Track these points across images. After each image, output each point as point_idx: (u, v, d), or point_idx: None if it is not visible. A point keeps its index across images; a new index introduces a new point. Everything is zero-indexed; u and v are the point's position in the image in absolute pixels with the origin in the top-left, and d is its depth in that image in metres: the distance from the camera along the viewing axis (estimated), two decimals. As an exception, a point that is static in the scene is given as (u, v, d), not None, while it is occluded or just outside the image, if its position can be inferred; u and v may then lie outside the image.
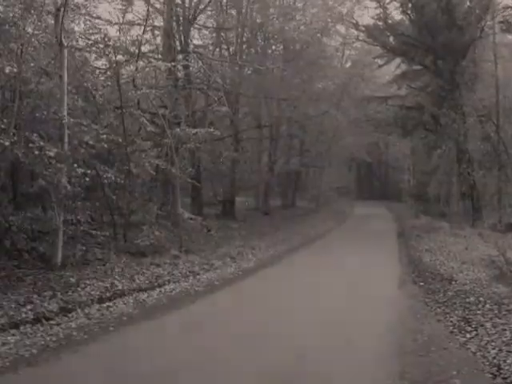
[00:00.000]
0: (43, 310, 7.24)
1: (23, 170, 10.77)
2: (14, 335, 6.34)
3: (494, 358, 5.57)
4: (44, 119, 10.51)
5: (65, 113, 10.17)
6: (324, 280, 10.70)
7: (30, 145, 9.13)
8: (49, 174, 9.38)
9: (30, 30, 10.49)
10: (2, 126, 8.86)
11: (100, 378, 5.21)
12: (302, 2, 25.83)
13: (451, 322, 7.23)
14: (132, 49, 14.66)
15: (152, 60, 16.42)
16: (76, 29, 13.37)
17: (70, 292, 8.21)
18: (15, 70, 9.67)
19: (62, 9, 10.30)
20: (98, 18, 15.58)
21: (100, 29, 13.66)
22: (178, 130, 13.80)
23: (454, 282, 9.56)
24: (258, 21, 22.75)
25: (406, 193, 39.49)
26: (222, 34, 23.91)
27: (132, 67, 14.22)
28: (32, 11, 10.30)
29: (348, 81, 31.07)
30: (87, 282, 8.89)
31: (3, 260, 9.44)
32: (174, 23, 18.25)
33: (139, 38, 14.76)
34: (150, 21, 17.97)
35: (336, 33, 29.47)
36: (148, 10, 15.37)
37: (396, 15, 25.07)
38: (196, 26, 21.84)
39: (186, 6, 19.61)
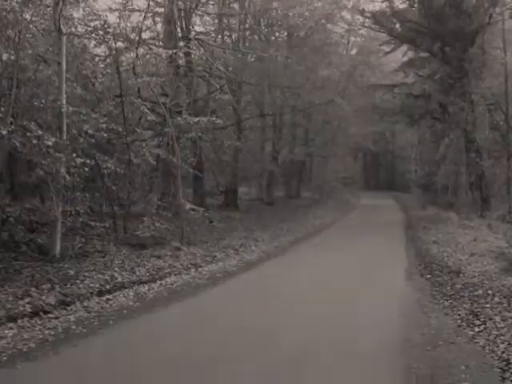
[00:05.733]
0: (41, 303, 7.15)
1: (21, 160, 10.65)
2: (11, 329, 6.26)
3: (503, 352, 5.46)
4: (42, 108, 10.38)
5: (63, 101, 10.05)
6: (328, 273, 10.58)
7: (28, 134, 9.03)
8: (47, 163, 9.28)
9: (28, 16, 10.29)
10: (0, 115, 8.70)
11: (99, 373, 5.13)
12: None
13: (459, 315, 7.10)
14: (132, 36, 14.46)
15: (153, 47, 16.31)
16: (75, 15, 13.17)
17: (68, 284, 8.14)
18: (13, 57, 9.57)
19: (61, -6, 10.07)
20: (98, 4, 15.34)
21: (99, 15, 13.38)
22: (180, 118, 13.61)
23: (461, 275, 9.44)
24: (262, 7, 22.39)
25: (413, 183, 39.28)
26: (225, 20, 23.72)
27: (132, 54, 13.99)
28: (30, -3, 10.06)
29: (353, 68, 30.76)
30: (86, 274, 8.83)
31: (0, 252, 9.38)
32: (176, 9, 17.94)
33: (139, 24, 14.55)
34: (151, 7, 17.77)
35: (341, 19, 29.15)
36: (149, -5, 15.15)
37: (403, 1, 24.60)
38: (198, 12, 21.64)
39: (188, -9, 19.33)
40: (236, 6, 23.62)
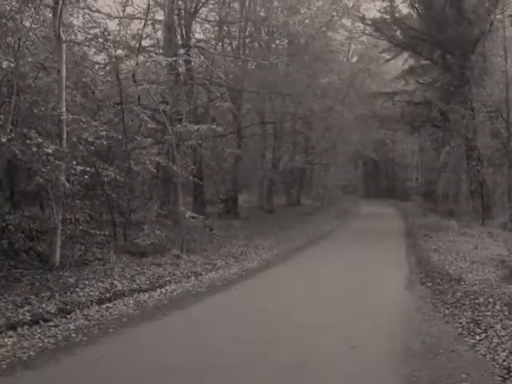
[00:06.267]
0: (41, 311, 7.13)
1: (21, 168, 10.64)
2: (11, 337, 6.25)
3: (504, 360, 5.43)
4: (42, 115, 10.35)
5: (63, 109, 10.03)
6: (328, 281, 10.54)
7: (28, 141, 9.00)
8: (47, 171, 9.26)
9: (27, 23, 10.39)
10: None
11: (98, 381, 5.12)
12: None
13: (460, 323, 7.06)
14: (132, 43, 14.60)
15: (153, 55, 16.36)
16: (75, 22, 13.29)
17: (68, 293, 8.11)
18: (12, 64, 9.55)
19: (61, 2, 10.10)
20: (98, 11, 15.52)
21: (99, 22, 13.59)
22: (180, 126, 13.62)
23: (462, 283, 9.34)
24: (262, 14, 22.50)
25: (414, 191, 39.26)
26: (225, 27, 23.81)
27: (132, 62, 14.06)
28: (30, 4, 10.13)
29: (354, 76, 30.77)
30: (86, 282, 8.79)
31: (0, 260, 9.33)
32: (176, 17, 18.05)
33: (139, 31, 14.58)
34: (151, 14, 17.91)
35: (342, 26, 29.14)
36: (149, 3, 15.14)
37: (403, 8, 24.75)
38: (198, 19, 21.70)
39: (188, -1, 19.39)
40: (236, 13, 23.69)
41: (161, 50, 18.22)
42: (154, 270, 10.43)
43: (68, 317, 7.24)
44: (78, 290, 8.29)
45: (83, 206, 10.64)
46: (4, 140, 8.47)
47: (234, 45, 24.34)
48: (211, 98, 21.45)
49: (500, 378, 5.02)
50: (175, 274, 10.47)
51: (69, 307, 7.52)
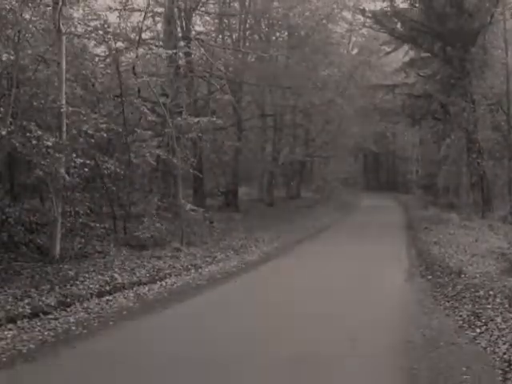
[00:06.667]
0: (41, 304, 7.13)
1: (20, 160, 10.62)
2: (10, 330, 6.25)
3: (505, 353, 5.40)
4: (42, 108, 10.34)
5: (63, 101, 10.03)
6: (329, 273, 10.54)
7: (28, 134, 9.00)
8: (47, 164, 9.25)
9: (27, 16, 10.34)
10: (-1, 115, 8.69)
11: (99, 374, 5.10)
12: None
13: (460, 316, 7.04)
14: (132, 35, 14.57)
15: (153, 47, 16.28)
16: (75, 15, 13.03)
17: (68, 286, 8.11)
18: (12, 57, 9.50)
19: (61, -6, 10.03)
20: (98, 3, 15.33)
21: (99, 15, 13.37)
22: (180, 119, 13.62)
23: (463, 276, 9.33)
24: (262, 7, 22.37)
25: (414, 184, 39.23)
26: (225, 20, 23.75)
27: (132, 54, 14.02)
28: (30, -3, 10.04)
29: (354, 68, 30.69)
30: (86, 275, 8.80)
31: (0, 253, 9.34)
32: (176, 9, 17.95)
33: (140, 24, 14.59)
34: (151, 7, 17.78)
35: (342, 19, 29.10)
36: (149, -5, 15.13)
37: (404, 0, 24.58)
38: (198, 12, 21.61)
39: (188, -9, 19.27)
40: (236, 5, 23.59)
41: (161, 43, 18.18)
42: (154, 262, 10.44)
43: (68, 310, 7.25)
44: (77, 282, 8.30)
45: (83, 198, 10.67)
46: (4, 133, 8.47)
47: (234, 37, 24.25)
48: (211, 90, 21.40)
49: (501, 371, 5.00)
50: (175, 266, 10.48)
51: (69, 300, 7.52)
